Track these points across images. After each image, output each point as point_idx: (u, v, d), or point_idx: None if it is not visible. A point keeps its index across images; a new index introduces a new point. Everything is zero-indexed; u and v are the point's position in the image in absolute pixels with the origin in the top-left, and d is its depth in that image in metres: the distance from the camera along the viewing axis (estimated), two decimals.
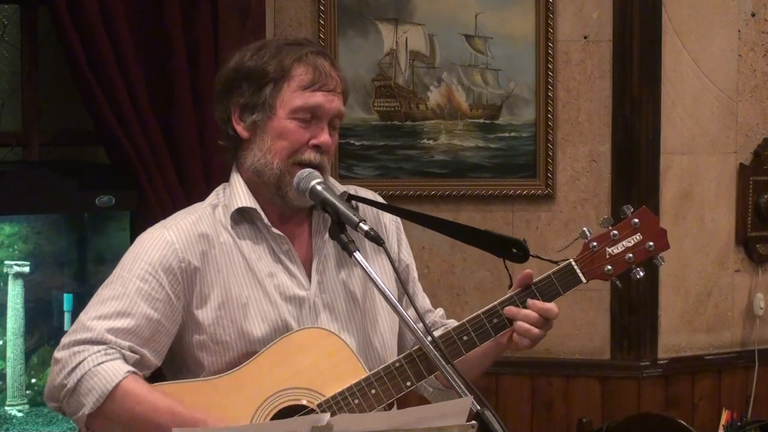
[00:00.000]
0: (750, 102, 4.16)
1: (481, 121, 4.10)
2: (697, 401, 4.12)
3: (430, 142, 4.12)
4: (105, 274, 2.42)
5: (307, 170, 2.39)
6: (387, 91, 4.12)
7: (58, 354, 2.33)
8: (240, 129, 2.44)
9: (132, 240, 2.48)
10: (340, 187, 2.47)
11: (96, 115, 3.54)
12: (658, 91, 4.03)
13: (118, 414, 2.28)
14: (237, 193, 2.44)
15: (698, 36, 4.08)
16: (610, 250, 2.44)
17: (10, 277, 3.60)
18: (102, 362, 2.29)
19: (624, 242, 2.44)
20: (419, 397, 2.58)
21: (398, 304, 2.28)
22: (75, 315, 2.40)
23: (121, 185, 3.56)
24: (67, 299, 3.68)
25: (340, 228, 2.32)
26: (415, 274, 2.67)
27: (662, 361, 4.08)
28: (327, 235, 2.44)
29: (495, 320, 2.41)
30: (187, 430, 2.20)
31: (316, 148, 2.41)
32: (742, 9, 4.12)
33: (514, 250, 2.42)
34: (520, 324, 2.40)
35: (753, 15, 4.14)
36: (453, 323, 2.49)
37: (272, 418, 2.32)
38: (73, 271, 3.76)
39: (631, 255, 2.44)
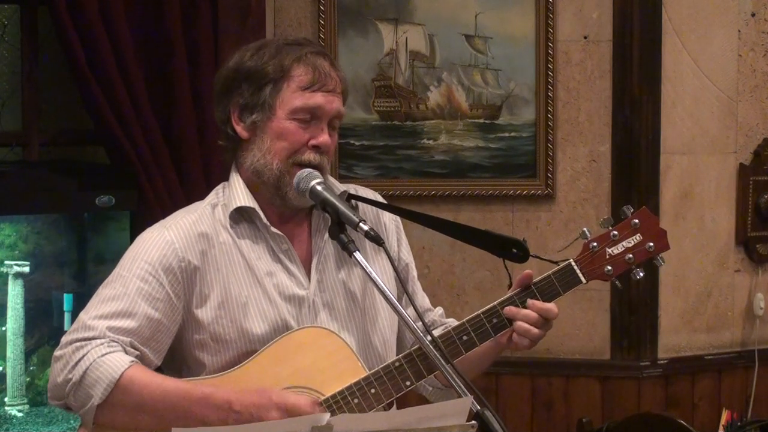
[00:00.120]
0: (750, 102, 4.16)
1: (481, 121, 4.10)
2: (697, 401, 4.12)
3: (430, 142, 4.12)
4: (105, 274, 2.42)
5: (307, 170, 2.39)
6: (387, 91, 4.12)
7: (58, 352, 2.33)
8: (239, 129, 2.44)
9: (132, 240, 2.48)
10: (340, 187, 2.47)
11: (96, 115, 3.55)
12: (658, 91, 4.03)
13: (127, 401, 2.28)
14: (236, 192, 2.44)
15: (698, 36, 4.08)
16: (610, 250, 2.44)
17: (10, 277, 3.60)
18: (106, 353, 2.29)
19: (624, 243, 2.44)
20: (419, 397, 2.58)
21: (398, 303, 2.28)
22: (75, 315, 2.40)
23: (121, 185, 3.56)
24: (67, 299, 3.68)
25: (340, 228, 2.33)
26: (414, 273, 2.67)
27: (662, 361, 4.08)
28: (327, 235, 2.44)
29: (495, 320, 2.41)
30: (188, 430, 2.19)
31: (316, 148, 2.41)
32: (742, 9, 4.12)
33: (514, 250, 2.42)
34: (520, 324, 2.40)
35: (753, 15, 4.14)
36: (452, 322, 2.49)
37: None
38: (73, 271, 3.76)
39: (631, 255, 2.44)
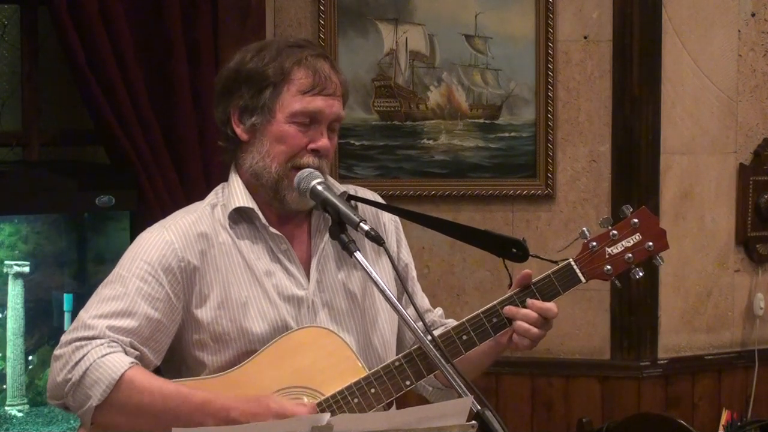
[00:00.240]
0: (750, 102, 4.16)
1: (481, 121, 4.10)
2: (697, 401, 4.12)
3: (430, 142, 4.12)
4: (105, 274, 2.42)
5: (308, 170, 2.39)
6: (387, 91, 4.12)
7: (58, 351, 2.33)
8: (239, 131, 2.44)
9: (132, 240, 2.48)
10: (339, 187, 2.47)
11: (96, 115, 3.55)
12: (658, 91, 4.03)
13: (125, 403, 2.28)
14: (235, 193, 2.45)
15: (698, 36, 4.08)
16: (609, 250, 2.45)
17: (10, 277, 3.60)
18: (106, 354, 2.29)
19: (623, 242, 2.44)
20: (419, 397, 2.58)
21: (398, 303, 2.28)
22: (75, 315, 2.40)
23: (121, 185, 3.56)
24: (67, 299, 3.68)
25: (340, 228, 2.33)
26: (414, 273, 2.67)
27: (662, 361, 4.08)
28: (326, 236, 2.44)
29: (494, 320, 2.41)
30: (188, 431, 2.19)
31: (315, 152, 2.41)
32: (742, 9, 4.12)
33: (514, 250, 2.42)
34: (520, 324, 2.40)
35: (753, 15, 4.14)
36: (452, 323, 2.49)
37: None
38: (73, 271, 3.76)
39: (630, 255, 2.44)
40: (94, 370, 2.28)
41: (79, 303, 3.18)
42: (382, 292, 2.26)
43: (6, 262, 3.59)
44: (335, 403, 2.33)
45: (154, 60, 3.65)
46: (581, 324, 4.07)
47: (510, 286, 2.46)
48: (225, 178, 2.51)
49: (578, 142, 4.06)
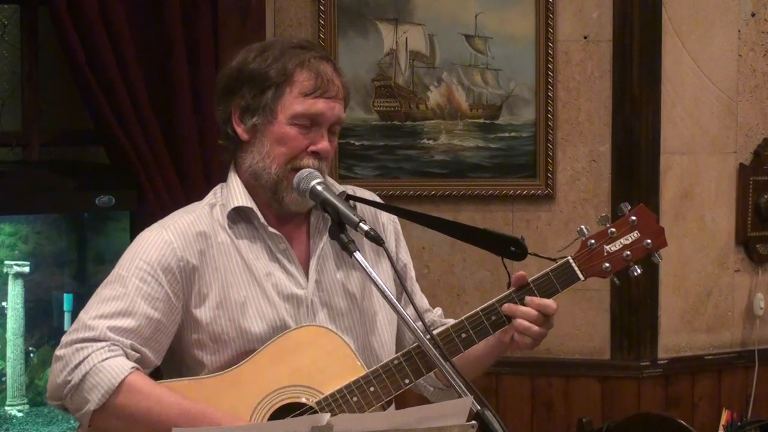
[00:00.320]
0: (750, 102, 4.16)
1: (481, 121, 4.10)
2: (697, 401, 4.12)
3: (430, 142, 4.12)
4: (105, 274, 2.42)
5: (308, 170, 2.39)
6: (387, 91, 4.12)
7: (59, 352, 2.33)
8: (240, 131, 2.44)
9: (132, 240, 2.48)
10: (338, 187, 2.47)
11: (96, 115, 3.55)
12: (658, 91, 4.03)
13: (123, 409, 2.28)
14: (234, 192, 2.45)
15: (698, 36, 4.08)
16: (607, 247, 2.45)
17: (10, 277, 3.60)
18: (106, 358, 2.29)
19: (622, 240, 2.45)
20: (419, 397, 2.58)
21: (398, 303, 2.28)
22: (75, 315, 2.40)
23: (121, 185, 3.56)
24: (67, 299, 3.68)
25: (340, 228, 2.33)
26: (413, 273, 2.67)
27: (662, 361, 4.08)
28: (325, 236, 2.45)
29: (493, 317, 2.41)
30: (188, 431, 2.19)
31: (315, 154, 2.41)
32: (742, 9, 4.12)
33: (513, 249, 2.43)
34: (520, 322, 2.40)
35: (753, 15, 4.14)
36: (452, 322, 2.49)
37: (271, 416, 2.33)
38: (73, 271, 3.76)
39: (628, 252, 2.44)
40: (94, 375, 2.28)
41: (79, 303, 3.18)
42: (382, 292, 2.26)
43: (6, 262, 3.59)
44: (334, 402, 2.33)
45: (154, 60, 3.65)
46: (581, 324, 4.07)
47: (509, 285, 2.46)
48: (225, 178, 2.51)
49: (578, 142, 4.06)
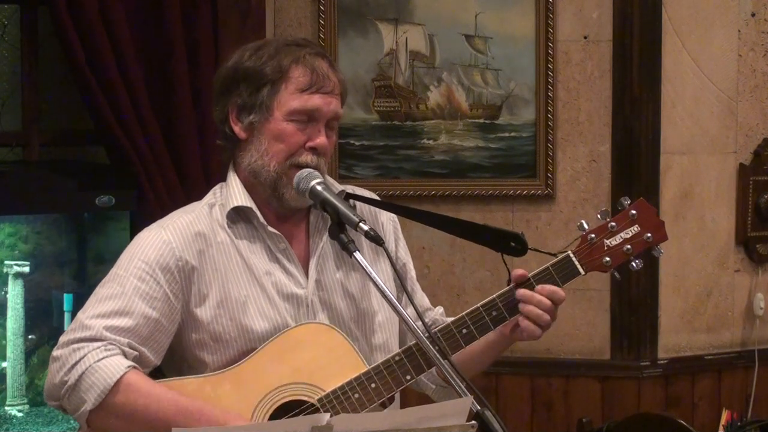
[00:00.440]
0: (750, 102, 4.16)
1: (481, 121, 4.10)
2: (697, 401, 4.12)
3: (430, 142, 4.12)
4: (105, 274, 2.42)
5: (307, 170, 2.39)
6: (387, 91, 4.12)
7: (56, 352, 2.33)
8: (237, 129, 2.44)
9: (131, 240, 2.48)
10: (337, 186, 2.47)
11: (96, 115, 3.55)
12: (658, 91, 4.03)
13: (121, 408, 2.28)
14: (233, 192, 2.45)
15: (698, 36, 4.08)
16: (608, 241, 2.45)
17: (10, 277, 3.60)
18: (103, 358, 2.29)
19: (622, 234, 2.45)
20: (421, 396, 2.58)
21: (398, 303, 2.28)
22: (75, 315, 2.40)
23: (121, 185, 3.56)
24: (67, 299, 3.68)
25: (340, 228, 2.33)
26: (413, 273, 2.67)
27: (662, 361, 4.08)
28: (325, 235, 2.45)
29: (494, 313, 2.41)
30: (187, 430, 2.19)
31: (313, 150, 2.41)
32: (742, 9, 4.12)
33: (513, 244, 2.43)
34: (531, 309, 2.39)
35: (753, 15, 4.14)
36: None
37: (272, 414, 2.33)
38: (73, 271, 3.76)
39: (629, 246, 2.44)
40: (90, 375, 2.28)
41: (79, 303, 3.18)
42: (382, 291, 2.26)
43: (6, 262, 3.59)
44: (335, 399, 2.33)
45: (154, 60, 3.65)
46: (581, 324, 4.07)
47: (509, 282, 2.46)
48: (225, 178, 2.51)
49: (578, 142, 4.06)
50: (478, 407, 2.10)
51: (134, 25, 3.59)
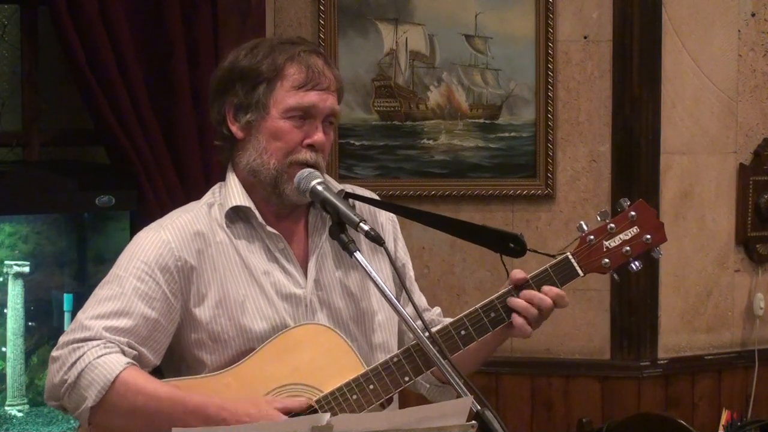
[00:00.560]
0: (750, 102, 4.16)
1: (481, 121, 4.10)
2: (697, 401, 4.12)
3: (430, 142, 4.12)
4: (105, 274, 2.42)
5: (308, 170, 2.39)
6: (387, 91, 4.12)
7: (56, 353, 2.33)
8: (235, 129, 2.44)
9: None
10: (337, 186, 2.47)
11: (96, 115, 3.55)
12: (658, 91, 4.03)
13: (121, 405, 2.28)
14: (232, 192, 2.45)
15: (698, 36, 4.08)
16: (607, 243, 2.44)
17: (10, 277, 3.60)
18: (101, 355, 2.29)
19: (621, 235, 2.44)
20: (419, 397, 2.58)
21: (397, 302, 2.28)
22: (75, 315, 2.40)
23: (121, 185, 3.56)
24: (67, 299, 3.68)
25: (340, 227, 2.33)
26: (411, 273, 2.67)
27: (662, 361, 4.08)
28: (324, 234, 2.45)
29: (492, 314, 2.41)
30: (187, 430, 2.19)
31: (311, 147, 2.41)
32: (742, 9, 4.12)
33: (512, 245, 2.42)
34: (532, 311, 2.39)
35: (753, 15, 4.14)
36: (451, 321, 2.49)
37: None
38: (73, 271, 3.76)
39: (628, 248, 2.44)
40: (90, 372, 2.28)
41: (79, 303, 3.18)
42: (382, 291, 2.26)
43: (6, 262, 3.59)
44: (334, 400, 2.33)
45: (154, 60, 3.65)
46: (581, 324, 4.07)
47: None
48: (224, 178, 2.51)
49: (578, 142, 4.06)
50: (478, 407, 2.10)
51: (134, 25, 3.59)
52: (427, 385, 2.59)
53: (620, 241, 2.44)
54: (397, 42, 4.11)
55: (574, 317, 4.04)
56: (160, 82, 3.65)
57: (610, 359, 4.08)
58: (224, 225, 2.43)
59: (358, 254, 2.29)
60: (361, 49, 4.12)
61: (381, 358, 2.44)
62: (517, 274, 2.42)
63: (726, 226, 4.16)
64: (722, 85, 4.12)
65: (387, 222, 2.60)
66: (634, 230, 2.44)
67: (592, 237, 2.44)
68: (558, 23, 4.03)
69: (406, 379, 2.37)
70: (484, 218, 4.09)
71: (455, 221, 2.53)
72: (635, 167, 4.03)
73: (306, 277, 2.46)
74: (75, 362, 2.29)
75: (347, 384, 2.35)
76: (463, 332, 2.40)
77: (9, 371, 3.62)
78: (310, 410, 2.33)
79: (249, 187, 2.45)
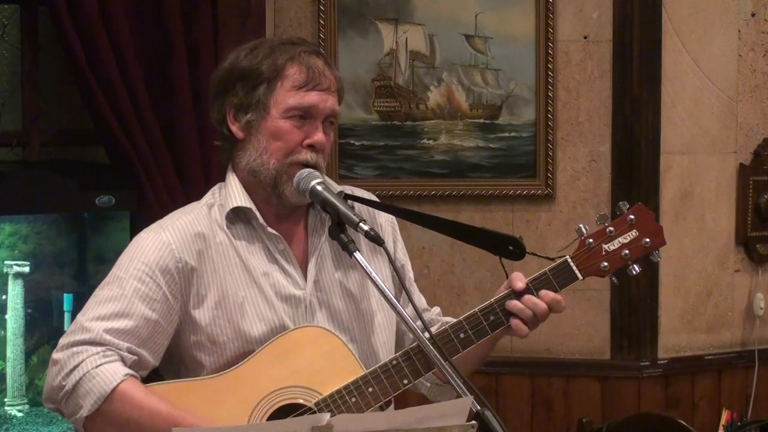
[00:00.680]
0: (750, 102, 4.16)
1: (481, 121, 4.10)
2: (697, 401, 4.12)
3: (430, 142, 4.12)
4: (105, 274, 2.42)
5: (307, 170, 2.39)
6: (387, 91, 4.12)
7: (56, 355, 2.33)
8: (235, 129, 2.44)
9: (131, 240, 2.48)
10: (336, 187, 2.47)
11: (96, 115, 3.55)
12: (658, 91, 4.03)
13: (116, 417, 2.28)
14: (232, 192, 2.44)
15: (698, 36, 4.08)
16: (606, 246, 2.45)
17: (10, 277, 3.60)
18: (100, 364, 2.29)
19: (620, 239, 2.45)
20: (419, 397, 2.58)
21: (397, 303, 2.28)
22: (75, 315, 2.40)
23: (121, 185, 3.56)
24: (67, 299, 3.68)
25: (340, 228, 2.33)
26: (411, 274, 2.67)
27: (662, 361, 4.08)
28: (323, 235, 2.45)
29: (492, 318, 2.41)
30: (187, 430, 2.19)
31: (311, 147, 2.41)
32: (742, 9, 4.12)
33: (511, 248, 2.43)
34: (529, 314, 2.40)
35: (753, 15, 4.14)
36: (450, 320, 2.49)
37: (269, 418, 2.32)
38: (73, 271, 3.76)
39: (627, 251, 2.44)
40: (87, 381, 2.28)
41: (79, 303, 3.19)
42: (381, 291, 2.26)
43: (6, 262, 3.59)
44: (333, 403, 2.33)
45: (154, 60, 3.65)
46: (581, 324, 4.07)
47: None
48: (224, 178, 2.51)
49: (578, 142, 4.06)
50: (478, 407, 2.10)
51: (134, 25, 3.60)
52: (428, 385, 2.59)
53: (619, 245, 2.44)
54: (397, 42, 4.11)
55: (574, 317, 4.04)
56: (160, 82, 3.65)
57: (610, 359, 4.08)
58: (224, 226, 2.43)
59: (357, 254, 2.29)
60: (361, 49, 4.12)
61: (381, 358, 2.44)
62: (517, 283, 2.42)
63: (726, 226, 4.16)
64: (722, 85, 4.12)
65: (386, 223, 2.60)
66: (633, 233, 2.45)
67: (591, 240, 2.44)
68: (558, 23, 4.03)
69: (405, 382, 2.37)
70: (484, 218, 4.09)
71: (454, 223, 2.54)
72: (635, 167, 4.03)
73: (306, 279, 2.46)
74: (73, 369, 2.29)
75: (346, 386, 2.34)
76: (462, 335, 2.40)
77: (9, 371, 3.62)
78: (309, 413, 2.33)
79: (249, 188, 2.45)
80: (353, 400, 2.34)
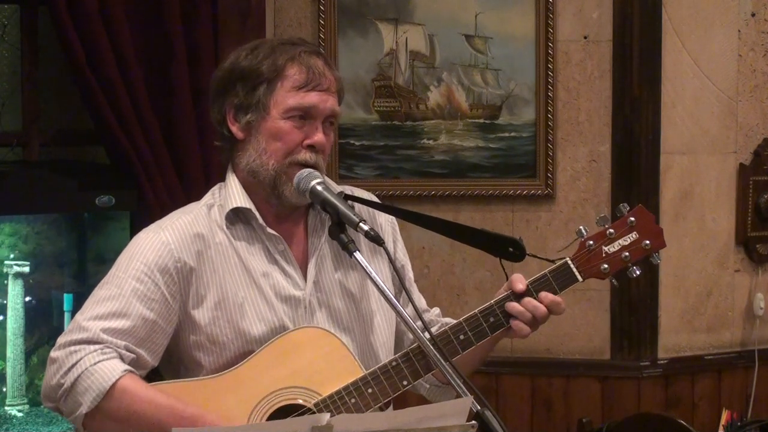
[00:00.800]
0: (750, 102, 4.16)
1: (481, 121, 4.10)
2: (697, 401, 4.12)
3: (430, 142, 4.12)
4: (105, 274, 2.42)
5: (307, 170, 2.39)
6: (387, 91, 4.12)
7: (54, 354, 2.33)
8: (235, 129, 2.44)
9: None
10: (336, 187, 2.47)
11: (96, 115, 3.55)
12: (658, 91, 4.03)
13: (116, 412, 2.28)
14: (232, 193, 2.44)
15: (698, 36, 4.08)
16: (606, 248, 2.45)
17: (10, 277, 3.60)
18: (99, 361, 2.29)
19: (620, 241, 2.45)
20: (419, 397, 2.58)
21: (397, 303, 2.28)
22: (75, 315, 2.40)
23: (121, 185, 3.56)
24: (67, 299, 3.68)
25: (340, 228, 2.33)
26: (411, 274, 2.67)
27: (662, 361, 4.08)
28: (323, 235, 2.45)
29: (492, 319, 2.41)
30: (187, 430, 2.19)
31: (311, 147, 2.41)
32: (742, 9, 4.12)
33: (511, 249, 2.43)
34: (528, 316, 2.40)
35: (753, 15, 4.14)
36: (450, 321, 2.49)
37: (269, 418, 2.32)
38: (73, 271, 3.76)
39: (627, 254, 2.44)
40: (86, 378, 2.28)
41: (79, 303, 3.17)
42: (381, 291, 2.26)
43: (6, 262, 3.59)
44: (332, 404, 2.33)
45: (154, 60, 3.65)
46: (581, 324, 4.07)
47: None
48: (224, 178, 2.51)
49: (578, 142, 4.06)
50: (478, 407, 2.10)
51: (134, 25, 3.59)
52: (427, 386, 2.59)
53: (619, 247, 2.44)
54: (397, 42, 4.11)
55: (574, 317, 4.04)
56: (160, 82, 3.65)
57: (610, 359, 4.08)
58: (224, 226, 2.43)
59: (357, 254, 2.29)
60: (361, 49, 4.12)
61: (380, 359, 2.44)
62: (517, 284, 2.42)
63: (726, 226, 4.16)
64: (722, 85, 4.12)
65: (386, 224, 2.60)
66: (633, 236, 2.45)
67: (591, 242, 2.44)
68: (558, 23, 4.03)
69: (405, 383, 2.37)
70: (484, 218, 4.09)
71: (454, 224, 2.54)
72: (635, 167, 4.03)
73: (305, 279, 2.45)
74: (72, 367, 2.29)
75: (346, 387, 2.34)
76: (462, 337, 2.40)
77: (9, 371, 3.62)
78: (308, 413, 2.33)
79: (249, 188, 2.45)
80: (353, 401, 2.34)
